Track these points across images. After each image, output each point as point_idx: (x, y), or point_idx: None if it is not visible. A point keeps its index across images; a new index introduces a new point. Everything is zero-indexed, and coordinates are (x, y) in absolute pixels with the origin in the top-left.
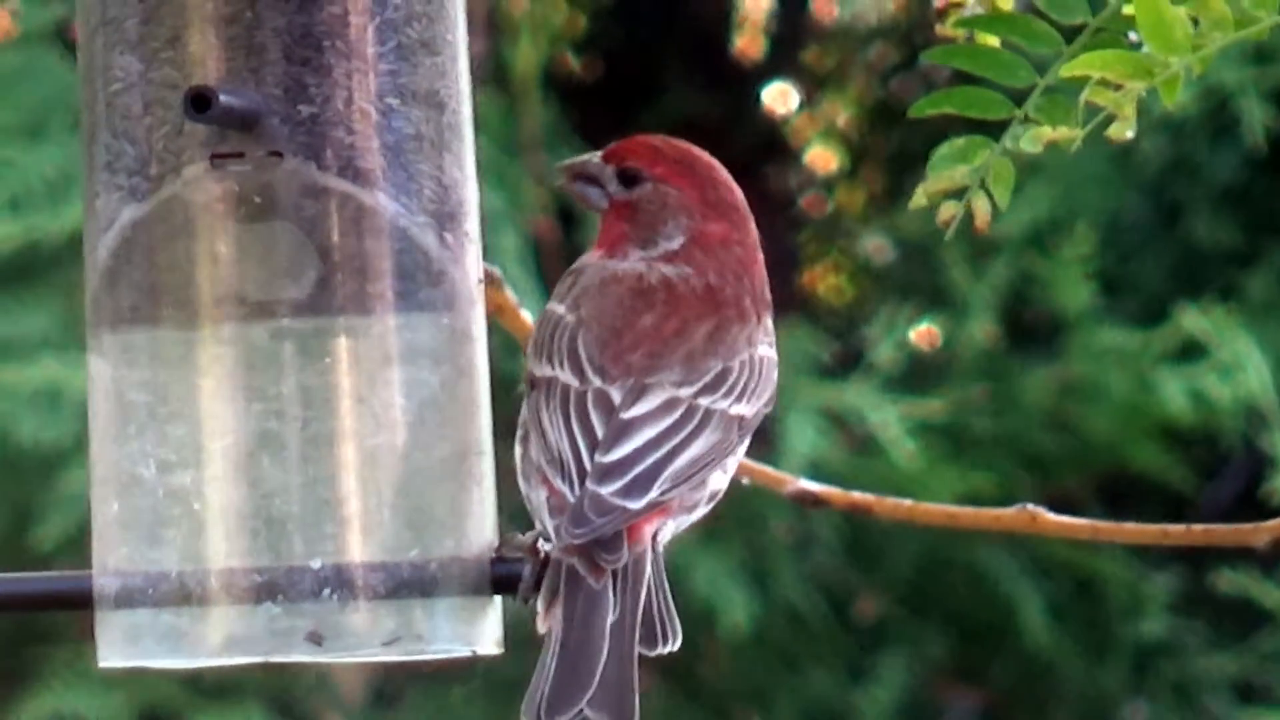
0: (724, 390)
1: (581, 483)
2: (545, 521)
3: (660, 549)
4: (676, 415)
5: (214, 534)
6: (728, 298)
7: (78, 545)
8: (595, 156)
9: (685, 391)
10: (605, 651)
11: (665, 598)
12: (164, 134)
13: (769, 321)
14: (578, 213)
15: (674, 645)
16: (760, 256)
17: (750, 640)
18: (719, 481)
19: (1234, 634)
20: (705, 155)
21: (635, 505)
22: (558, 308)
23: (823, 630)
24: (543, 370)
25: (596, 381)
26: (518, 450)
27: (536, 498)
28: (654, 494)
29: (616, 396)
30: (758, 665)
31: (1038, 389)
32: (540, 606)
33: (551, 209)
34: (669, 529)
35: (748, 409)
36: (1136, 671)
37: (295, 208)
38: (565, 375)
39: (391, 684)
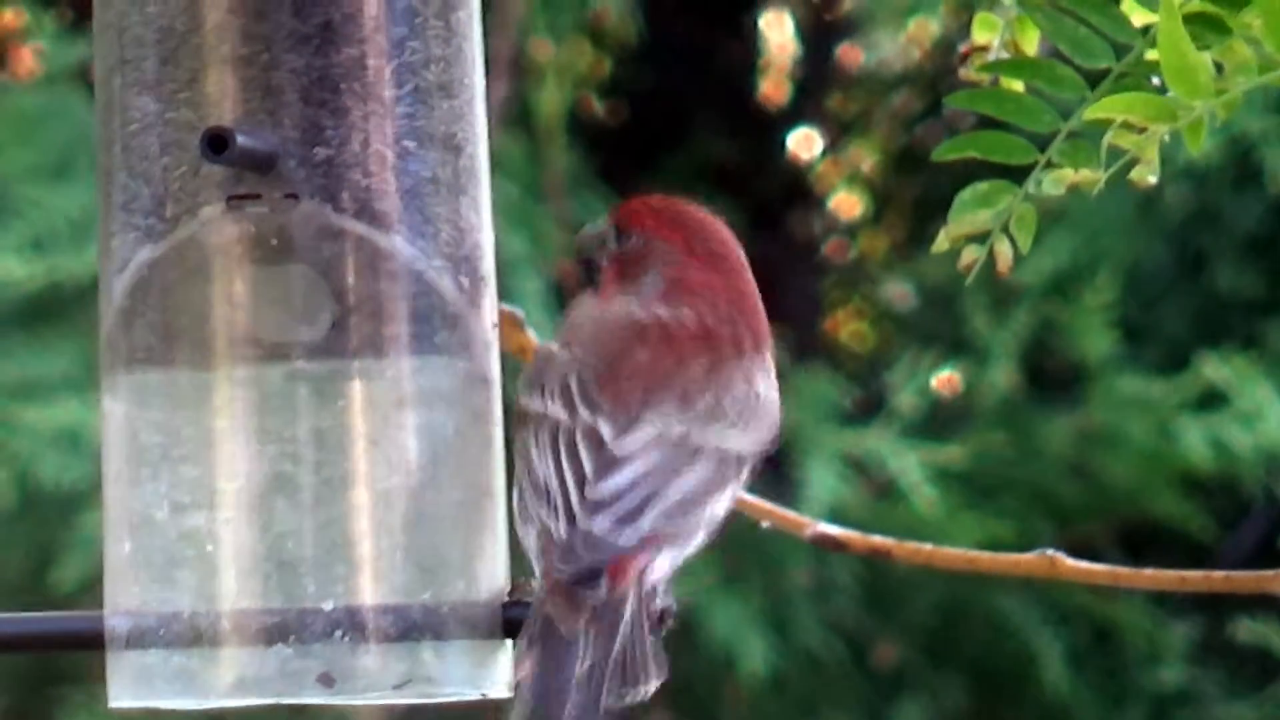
0: (719, 425)
1: (570, 518)
2: (534, 563)
3: (649, 586)
4: (668, 449)
5: (226, 575)
6: (724, 336)
7: (98, 586)
8: (601, 223)
9: (678, 427)
10: (571, 704)
11: (642, 640)
12: (180, 175)
13: (770, 360)
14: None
15: (655, 683)
16: (757, 303)
17: (769, 686)
18: (714, 517)
19: (1252, 683)
20: (700, 213)
21: (625, 541)
22: (550, 345)
23: (841, 677)
24: (534, 405)
25: (586, 416)
26: (514, 492)
27: (529, 539)
28: (644, 529)
29: (607, 430)
30: (777, 711)
31: (1058, 436)
32: (517, 657)
33: (574, 253)
34: (661, 565)
35: (745, 444)
36: (1155, 719)
37: (311, 250)
38: (556, 410)
39: None
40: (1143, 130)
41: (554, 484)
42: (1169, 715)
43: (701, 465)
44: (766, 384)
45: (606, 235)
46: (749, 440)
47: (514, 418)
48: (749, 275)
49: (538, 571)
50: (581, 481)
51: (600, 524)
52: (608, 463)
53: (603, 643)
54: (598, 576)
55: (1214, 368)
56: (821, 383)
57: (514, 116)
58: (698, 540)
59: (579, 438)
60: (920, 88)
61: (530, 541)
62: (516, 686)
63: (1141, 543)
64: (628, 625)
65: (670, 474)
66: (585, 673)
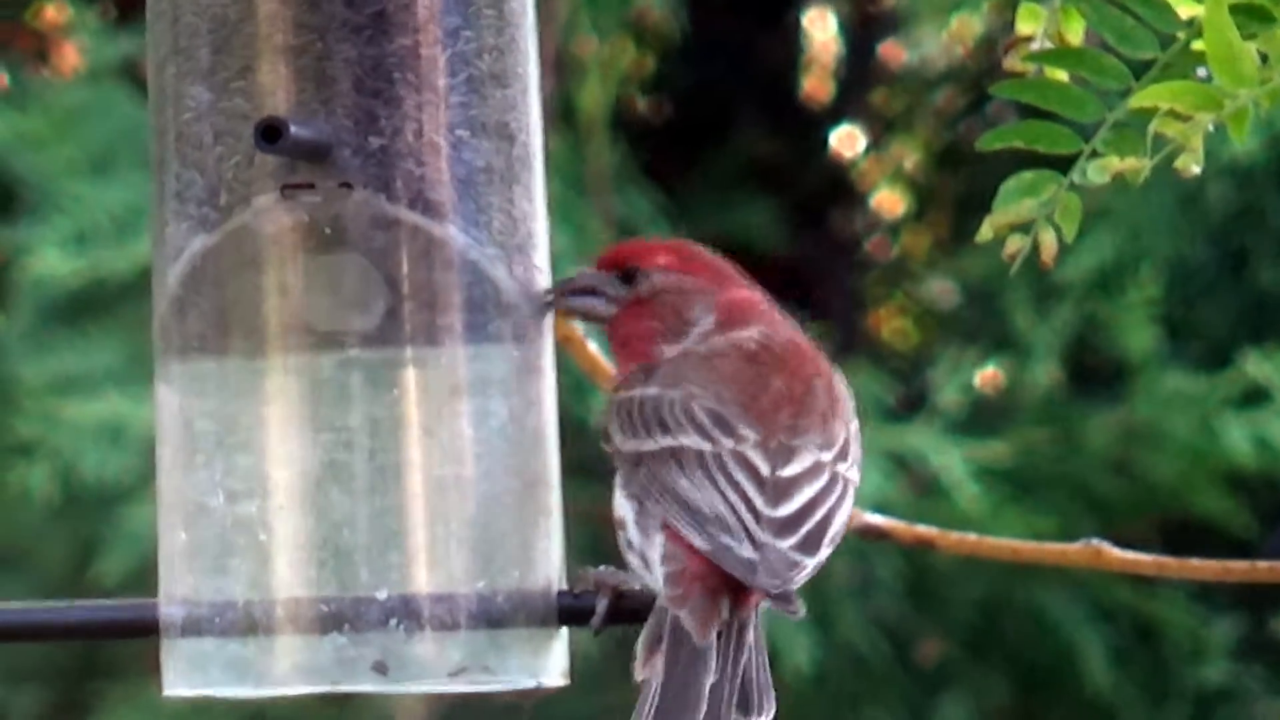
0: (850, 459)
1: (749, 535)
2: (655, 569)
3: (760, 615)
4: (825, 479)
5: (280, 564)
6: (810, 352)
7: (140, 581)
8: (587, 268)
9: (826, 455)
10: (701, 712)
11: (763, 665)
12: (234, 164)
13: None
14: None
15: (768, 715)
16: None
17: (812, 682)
18: (826, 552)
19: None
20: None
21: (810, 561)
22: (646, 390)
23: (884, 673)
24: (653, 443)
25: (728, 443)
26: (629, 505)
27: (650, 548)
28: (824, 552)
29: (754, 456)
30: (819, 707)
31: (1101, 433)
32: (640, 653)
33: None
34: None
35: (858, 477)
36: (1197, 716)
37: (365, 239)
38: (691, 440)
39: None
40: (1188, 119)
41: (722, 507)
42: (1211, 713)
43: (848, 499)
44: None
45: (603, 282)
46: (859, 474)
47: (614, 460)
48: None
49: (659, 576)
50: (750, 504)
51: (788, 544)
52: (780, 486)
53: (731, 658)
54: (793, 596)
55: (1256, 365)
56: (864, 380)
57: (558, 113)
58: (808, 572)
59: (730, 463)
60: (963, 85)
61: (652, 553)
62: (643, 683)
63: (1184, 540)
64: (751, 648)
65: (832, 503)
66: (715, 686)
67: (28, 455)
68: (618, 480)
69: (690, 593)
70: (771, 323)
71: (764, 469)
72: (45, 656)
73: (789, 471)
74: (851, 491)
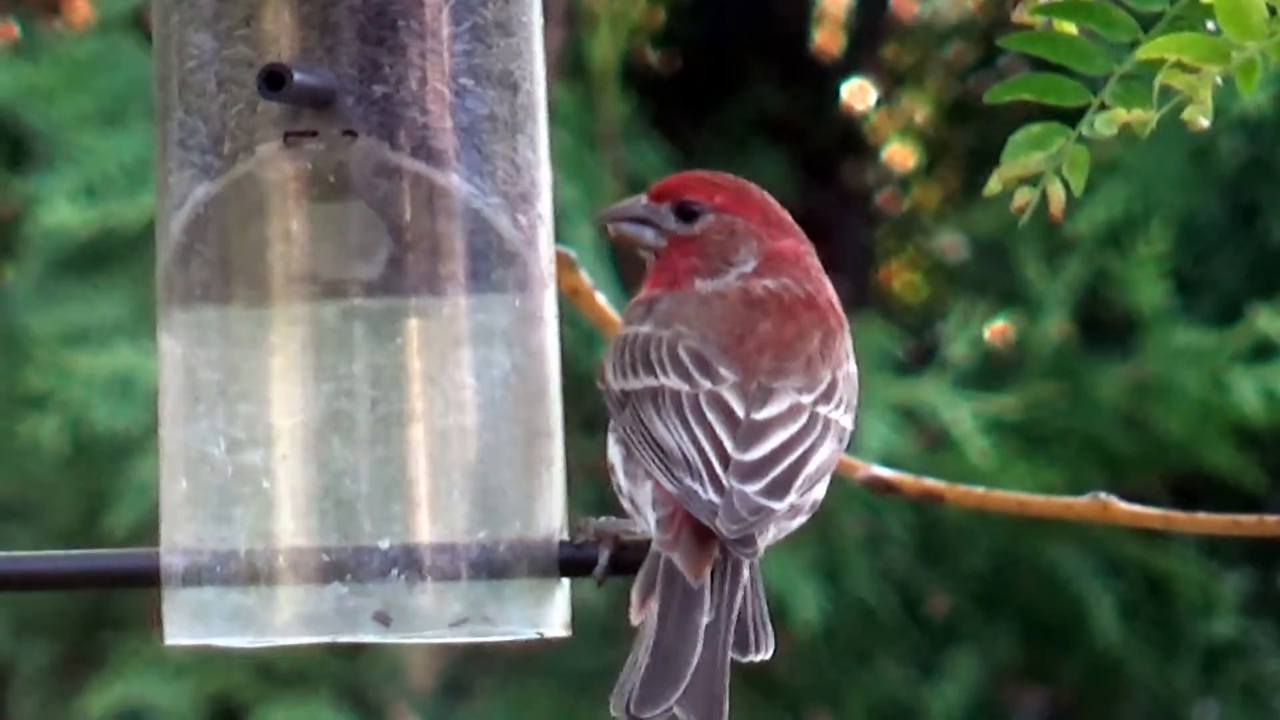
0: (835, 401)
1: (712, 478)
2: (647, 514)
3: (760, 553)
4: (803, 421)
5: (282, 513)
6: (825, 306)
7: (151, 532)
8: (642, 198)
9: (807, 398)
10: (698, 652)
11: (760, 604)
12: (238, 112)
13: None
14: None
15: (766, 653)
16: (822, 270)
17: (821, 635)
18: (820, 492)
19: None
20: (752, 184)
21: (778, 505)
22: (640, 328)
23: (893, 626)
24: (638, 383)
25: (706, 384)
26: (617, 451)
27: (640, 493)
28: (793, 496)
29: (730, 397)
30: (828, 660)
31: (1111, 387)
32: (635, 598)
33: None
34: (767, 536)
35: (849, 422)
36: (1206, 672)
37: (368, 187)
38: (671, 381)
39: (463, 674)
40: (1195, 71)
41: (690, 449)
42: (1220, 667)
43: (829, 440)
44: (854, 361)
45: (658, 214)
46: (851, 419)
47: (606, 400)
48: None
49: (650, 521)
50: (720, 447)
51: (753, 488)
52: (752, 429)
53: (726, 599)
54: (754, 540)
55: (1267, 319)
56: (874, 333)
57: (568, 65)
58: (803, 517)
59: (704, 404)
60: (974, 39)
61: (642, 498)
62: (640, 626)
63: (1193, 494)
64: (746, 587)
65: (808, 445)
66: (710, 626)
67: (38, 407)
68: (610, 424)
69: (681, 535)
70: (804, 276)
71: (739, 410)
72: (55, 609)
73: (764, 414)
74: (834, 432)
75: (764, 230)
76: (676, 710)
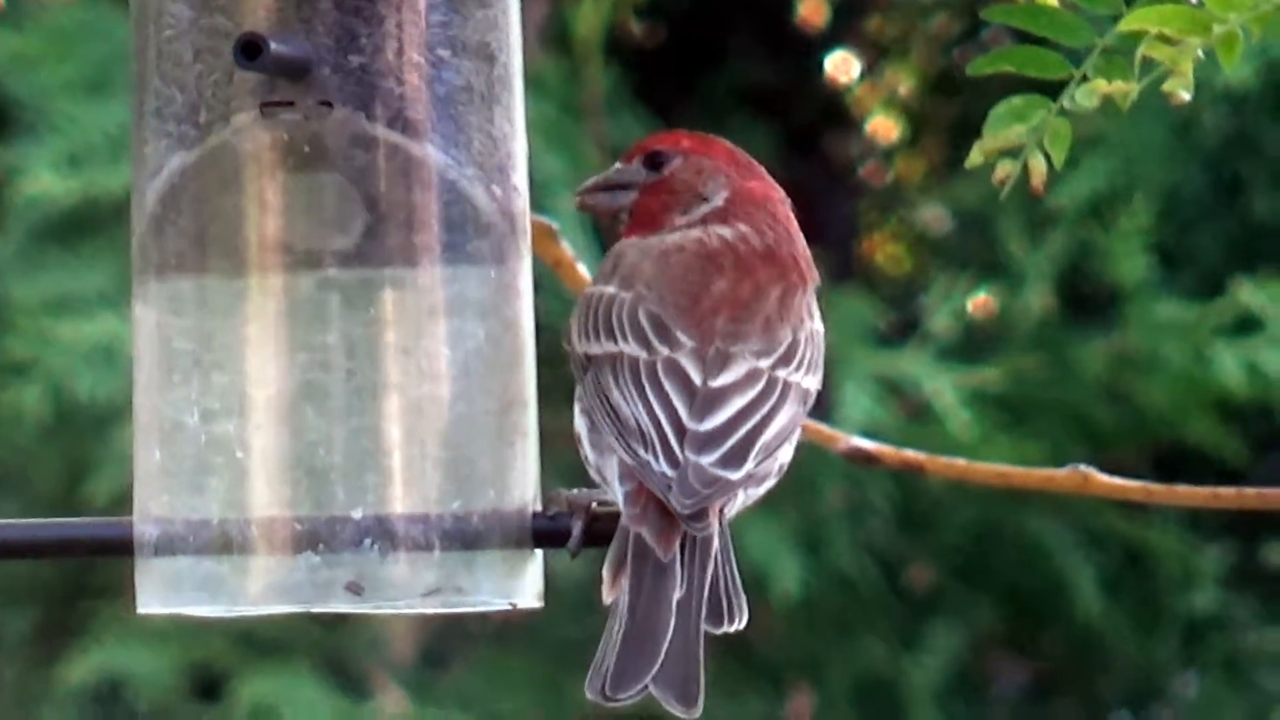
0: (795, 362)
1: (666, 450)
2: (614, 488)
3: (726, 524)
4: (760, 386)
5: (256, 482)
6: (786, 260)
7: (131, 501)
8: (615, 164)
9: (765, 362)
10: (671, 627)
11: (732, 574)
12: (214, 81)
13: (814, 296)
14: None
15: (740, 624)
16: (793, 217)
17: (801, 607)
18: (785, 456)
19: None
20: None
21: (734, 476)
22: (604, 288)
23: (874, 598)
24: (599, 347)
25: (664, 351)
26: (582, 422)
27: (607, 466)
28: (749, 465)
29: (688, 364)
30: (808, 632)
31: (1093, 360)
32: (606, 576)
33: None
34: (735, 504)
35: (813, 383)
36: (1187, 645)
37: (344, 158)
38: (630, 348)
39: (443, 644)
40: (1176, 43)
41: (645, 420)
42: (1201, 640)
43: (788, 405)
44: (819, 318)
45: (628, 173)
46: (816, 380)
47: (571, 363)
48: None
49: (618, 496)
50: (675, 416)
51: (709, 459)
52: (709, 397)
53: (697, 571)
54: (707, 514)
55: (1249, 293)
56: (857, 305)
57: (552, 36)
58: (770, 483)
59: (661, 373)
60: (958, 11)
61: (610, 472)
62: (613, 605)
63: (1175, 467)
64: (717, 557)
65: (765, 412)
66: (683, 600)
67: (20, 375)
68: (576, 393)
69: (649, 510)
70: (770, 221)
71: (696, 378)
72: (35, 577)
73: (721, 381)
74: (795, 396)
75: (732, 169)
76: (652, 689)
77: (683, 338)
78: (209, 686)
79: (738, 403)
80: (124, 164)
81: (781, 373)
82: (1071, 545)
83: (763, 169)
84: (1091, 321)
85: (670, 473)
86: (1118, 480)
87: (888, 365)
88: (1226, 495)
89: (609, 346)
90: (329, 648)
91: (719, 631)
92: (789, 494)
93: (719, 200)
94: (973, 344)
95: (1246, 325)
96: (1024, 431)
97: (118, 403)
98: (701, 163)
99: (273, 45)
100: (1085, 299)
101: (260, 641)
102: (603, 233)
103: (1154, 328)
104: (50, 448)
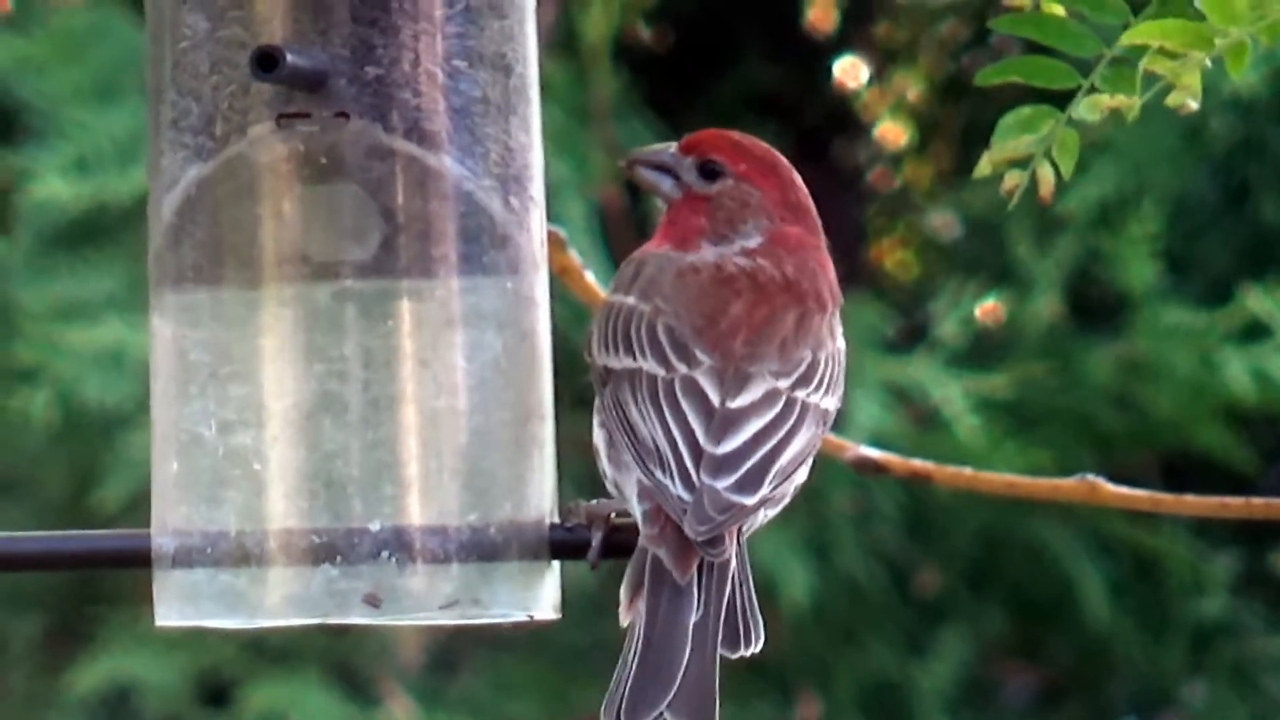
0: (814, 383)
1: (682, 473)
2: (633, 506)
3: (744, 544)
4: (779, 408)
5: (273, 495)
6: (806, 290)
7: (140, 507)
8: (671, 147)
9: (783, 383)
10: (688, 652)
11: (749, 596)
12: (230, 93)
13: (838, 317)
14: None
15: (756, 647)
16: (829, 259)
17: (810, 613)
18: (802, 477)
19: None
20: (778, 155)
21: (749, 501)
22: (625, 298)
23: (883, 604)
24: (619, 362)
25: (683, 369)
26: (600, 436)
27: (626, 483)
28: (765, 490)
29: (706, 384)
30: (817, 638)
31: (1102, 367)
32: (623, 597)
33: (619, 178)
34: (753, 524)
35: (832, 403)
36: (1195, 651)
37: (360, 169)
38: (649, 365)
39: (451, 651)
40: (1179, 57)
41: (662, 441)
42: (1209, 647)
43: (806, 426)
44: (842, 339)
45: (681, 166)
46: (835, 399)
47: (591, 374)
48: (820, 226)
49: (636, 514)
50: (692, 438)
51: (724, 484)
52: (726, 419)
53: (714, 594)
54: (723, 540)
55: (1257, 299)
56: (865, 311)
57: (560, 41)
58: (786, 502)
59: (679, 392)
60: (966, 16)
61: (629, 489)
62: (629, 627)
63: (1183, 474)
64: (735, 580)
65: (783, 435)
66: (699, 624)
67: (29, 381)
68: (595, 405)
69: (667, 530)
70: (797, 266)
71: (714, 398)
72: (45, 584)
73: (739, 402)
74: (814, 417)
75: (778, 210)
76: (667, 715)
77: (701, 355)
78: (217, 693)
79: (755, 425)
80: (132, 170)
81: (800, 393)
82: (1080, 552)
83: (811, 204)
84: (1100, 328)
85: (686, 496)
86: (1126, 489)
87: (896, 372)
88: (1234, 505)
89: (628, 362)
90: (337, 655)
91: (734, 656)
92: (798, 500)
93: (752, 242)
94: (981, 350)
95: (1255, 332)
96: (1032, 438)
97: (126, 408)
98: (750, 195)
99: (289, 57)
100: (1093, 305)
101: (269, 649)
102: (610, 240)
103: (1162, 334)
104: (59, 453)
